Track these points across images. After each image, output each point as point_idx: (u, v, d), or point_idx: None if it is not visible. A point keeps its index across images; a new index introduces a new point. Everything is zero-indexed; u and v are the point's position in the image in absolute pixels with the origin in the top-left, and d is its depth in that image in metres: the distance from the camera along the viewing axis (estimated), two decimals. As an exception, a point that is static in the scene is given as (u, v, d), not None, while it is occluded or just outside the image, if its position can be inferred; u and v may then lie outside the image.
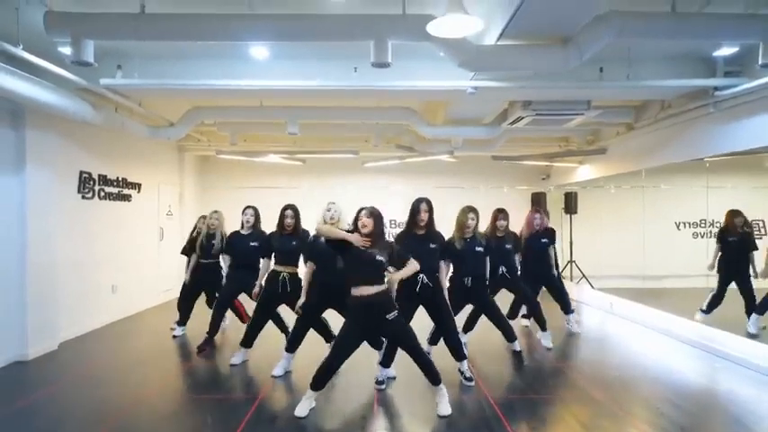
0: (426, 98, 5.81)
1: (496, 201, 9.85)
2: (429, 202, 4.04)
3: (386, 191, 10.03)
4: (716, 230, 6.71)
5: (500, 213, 5.24)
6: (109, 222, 6.65)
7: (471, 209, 4.52)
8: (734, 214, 6.05)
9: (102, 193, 6.51)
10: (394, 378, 4.29)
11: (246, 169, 9.76)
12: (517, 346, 4.78)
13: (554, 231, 5.96)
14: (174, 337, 5.77)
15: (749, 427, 3.39)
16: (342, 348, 3.52)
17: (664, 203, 9.34)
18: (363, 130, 7.75)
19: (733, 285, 5.96)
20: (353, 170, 9.78)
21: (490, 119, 6.62)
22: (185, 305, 5.80)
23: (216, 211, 5.69)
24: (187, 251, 5.98)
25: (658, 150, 6.30)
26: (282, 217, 4.63)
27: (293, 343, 4.44)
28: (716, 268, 6.08)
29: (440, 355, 4.34)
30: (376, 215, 3.48)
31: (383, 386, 4.07)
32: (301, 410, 3.52)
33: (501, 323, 4.73)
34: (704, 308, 6.05)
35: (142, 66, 4.82)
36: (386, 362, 4.15)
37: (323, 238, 4.20)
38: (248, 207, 5.17)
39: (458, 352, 4.16)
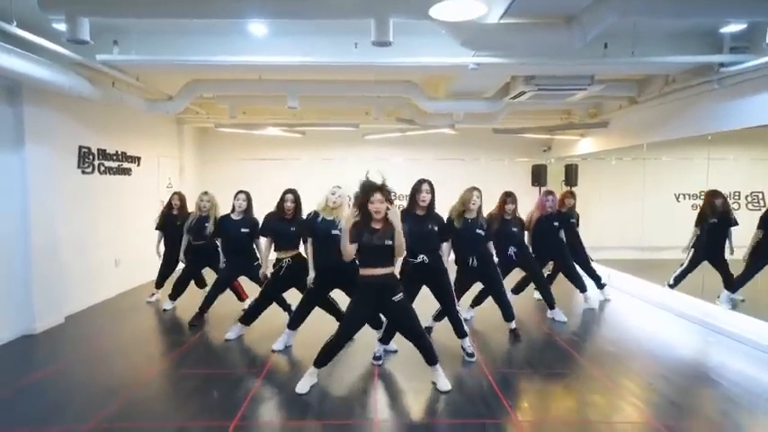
0: (427, 73, 5.72)
1: (497, 173, 9.92)
2: (431, 184, 4.04)
3: (387, 163, 9.99)
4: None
5: (508, 198, 5.24)
6: (110, 196, 6.66)
7: (476, 188, 4.52)
8: (713, 195, 6.04)
9: (102, 168, 6.49)
10: (395, 352, 4.40)
11: (246, 141, 9.70)
12: (513, 324, 4.87)
13: (569, 214, 6.07)
14: (165, 310, 5.87)
15: (740, 404, 3.50)
16: (348, 327, 3.60)
17: (664, 175, 9.35)
18: (364, 103, 7.68)
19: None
20: (354, 142, 9.73)
21: (492, 93, 6.54)
22: (183, 284, 5.85)
23: (206, 193, 5.69)
24: (160, 226, 6.13)
25: (661, 125, 6.26)
26: (282, 201, 4.62)
27: (296, 321, 4.51)
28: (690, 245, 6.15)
29: (443, 331, 4.44)
30: (389, 199, 3.43)
31: (380, 362, 4.17)
32: (303, 387, 3.61)
33: (502, 301, 4.80)
34: (671, 282, 6.18)
35: (139, 41, 4.75)
36: (385, 339, 4.25)
37: (321, 217, 4.26)
38: (241, 192, 5.16)
39: (459, 330, 4.24)
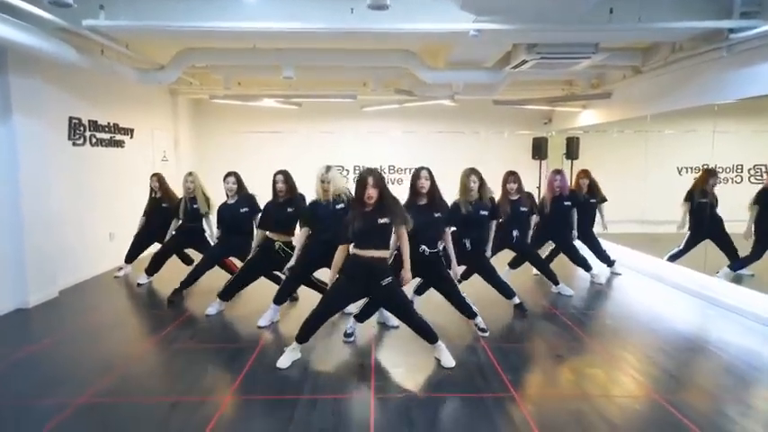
0: (427, 40, 5.54)
1: (497, 146, 9.78)
2: (429, 171, 3.88)
3: (385, 136, 9.84)
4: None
5: (510, 176, 5.11)
6: (103, 169, 6.54)
7: (473, 171, 4.39)
8: (709, 174, 5.99)
9: (94, 140, 6.36)
10: (396, 327, 4.35)
11: (242, 114, 9.52)
12: (516, 299, 4.82)
13: (583, 196, 5.98)
14: (139, 284, 5.82)
15: (739, 375, 3.47)
16: (330, 303, 3.53)
17: (666, 148, 9.21)
18: (361, 74, 7.49)
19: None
20: (352, 114, 9.55)
21: (492, 63, 6.36)
22: (161, 259, 5.78)
23: (190, 174, 5.57)
24: (147, 214, 6.08)
25: (666, 95, 6.10)
26: (274, 183, 4.50)
27: (282, 296, 4.45)
28: (687, 226, 6.07)
29: (450, 312, 4.39)
30: (380, 185, 3.31)
31: (352, 338, 4.08)
32: (284, 362, 3.55)
33: (496, 283, 4.74)
34: (668, 257, 6.17)
35: (127, 6, 4.55)
36: (361, 318, 4.13)
37: (322, 204, 4.16)
38: (229, 174, 5.00)
39: (467, 312, 4.19)
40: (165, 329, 4.38)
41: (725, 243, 5.80)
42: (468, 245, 4.45)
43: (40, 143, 5.19)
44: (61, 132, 5.75)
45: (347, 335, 4.09)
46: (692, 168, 9.60)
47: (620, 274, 6.32)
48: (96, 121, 6.39)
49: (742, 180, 9.14)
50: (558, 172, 5.81)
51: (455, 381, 3.38)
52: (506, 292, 4.77)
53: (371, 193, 3.27)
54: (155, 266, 5.79)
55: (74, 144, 5.97)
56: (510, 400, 3.09)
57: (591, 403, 3.04)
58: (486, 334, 4.17)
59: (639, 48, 6.13)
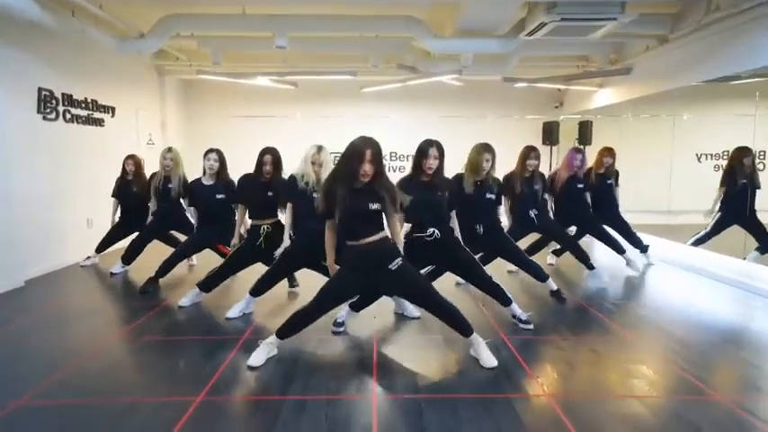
0: (433, 2, 4.96)
1: (505, 130, 9.19)
2: (440, 147, 3.30)
3: (386, 121, 9.27)
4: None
5: (531, 152, 4.57)
6: (79, 149, 5.97)
7: (487, 148, 3.81)
8: (743, 152, 5.43)
9: (69, 116, 5.79)
10: (418, 318, 3.79)
11: (235, 96, 8.96)
12: (553, 285, 4.27)
13: (605, 176, 5.44)
14: (113, 274, 5.26)
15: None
16: (327, 298, 2.91)
17: (685, 133, 8.69)
18: (361, 47, 6.92)
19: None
20: (351, 97, 8.98)
21: (505, 30, 5.79)
22: (138, 246, 5.25)
23: (170, 150, 4.99)
24: (115, 194, 5.55)
25: (699, 64, 5.50)
26: (261, 164, 3.94)
27: (261, 288, 3.87)
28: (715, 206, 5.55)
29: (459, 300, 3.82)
30: (379, 161, 2.72)
31: (342, 329, 3.52)
32: (257, 359, 2.94)
33: (527, 265, 4.19)
34: (693, 242, 5.68)
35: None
36: (357, 306, 3.57)
37: (304, 181, 3.63)
38: (211, 150, 4.42)
39: (502, 298, 3.60)
40: (135, 321, 3.81)
41: (755, 225, 5.28)
42: (479, 229, 3.90)
43: (2, 114, 4.64)
44: (28, 103, 5.18)
45: (337, 324, 3.52)
46: (711, 155, 9.08)
47: (653, 264, 5.68)
48: (71, 96, 5.82)
49: (764, 167, 8.60)
50: (579, 151, 5.30)
51: (475, 379, 2.81)
52: (540, 273, 4.21)
53: (368, 169, 2.67)
54: (131, 254, 5.24)
55: (44, 118, 5.40)
56: (542, 402, 2.52)
57: (643, 404, 2.48)
58: (531, 327, 3.59)
59: (668, 14, 5.58)
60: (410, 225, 3.43)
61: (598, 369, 2.99)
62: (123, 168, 5.53)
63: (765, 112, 7.74)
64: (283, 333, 3.00)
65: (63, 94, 5.67)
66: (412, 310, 3.85)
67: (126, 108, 6.99)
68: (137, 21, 5.75)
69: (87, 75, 6.10)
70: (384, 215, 2.81)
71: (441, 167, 3.35)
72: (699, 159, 9.13)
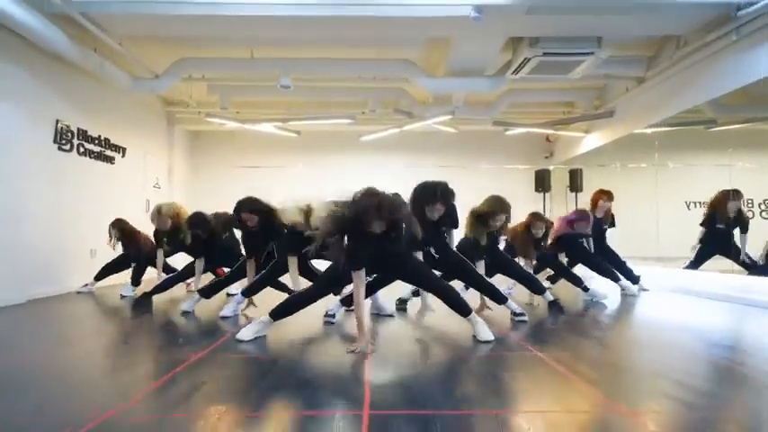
0: (425, 31, 5.41)
1: (499, 179, 9.53)
2: (445, 196, 3.44)
3: (384, 170, 9.62)
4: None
5: (538, 221, 4.69)
6: (90, 181, 6.23)
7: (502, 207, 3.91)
8: (729, 196, 5.42)
9: (82, 149, 6.10)
10: (392, 316, 3.85)
11: (239, 147, 9.38)
12: (550, 296, 4.33)
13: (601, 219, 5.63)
14: (123, 296, 5.40)
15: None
16: (327, 282, 3.07)
17: (673, 182, 9.01)
18: (360, 94, 7.41)
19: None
20: (350, 147, 9.39)
21: (494, 70, 6.26)
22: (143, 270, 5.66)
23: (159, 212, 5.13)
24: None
25: (674, 98, 5.90)
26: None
27: (253, 289, 4.01)
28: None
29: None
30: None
31: (334, 320, 3.61)
32: (246, 333, 3.04)
33: (524, 277, 4.31)
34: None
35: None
36: (349, 300, 3.66)
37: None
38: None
39: (496, 297, 3.70)
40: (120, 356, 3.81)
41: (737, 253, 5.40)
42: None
43: (20, 138, 4.95)
44: (46, 132, 5.49)
45: (328, 315, 3.62)
46: (700, 203, 9.35)
47: (647, 290, 5.61)
48: (86, 131, 6.16)
49: (753, 216, 8.83)
50: (585, 218, 5.18)
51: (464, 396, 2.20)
52: (536, 286, 4.31)
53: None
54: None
55: (59, 148, 5.70)
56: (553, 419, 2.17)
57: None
58: (525, 318, 3.65)
59: (644, 55, 6.06)
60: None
61: (614, 385, 2.90)
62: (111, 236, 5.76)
63: (728, 162, 8.19)
64: (277, 314, 3.09)
65: (78, 129, 6.01)
66: (386, 307, 3.91)
67: (135, 150, 7.34)
68: (151, 62, 6.20)
69: (102, 113, 6.48)
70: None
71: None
72: (688, 207, 9.41)
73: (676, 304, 4.93)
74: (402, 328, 3.66)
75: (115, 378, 2.44)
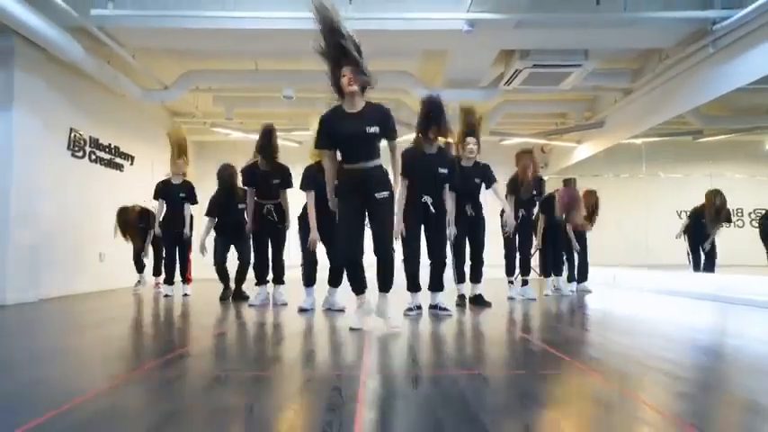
0: (422, 44, 5.72)
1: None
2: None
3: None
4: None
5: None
6: (100, 188, 6.50)
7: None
8: (714, 194, 6.24)
9: (94, 156, 6.38)
10: (342, 311, 3.98)
11: (243, 156, 9.57)
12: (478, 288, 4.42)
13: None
14: (166, 296, 5.61)
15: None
16: (342, 230, 3.14)
17: (664, 192, 9.27)
18: (360, 105, 7.69)
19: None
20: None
21: (488, 82, 6.56)
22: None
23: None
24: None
25: (658, 108, 6.20)
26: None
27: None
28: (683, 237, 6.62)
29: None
30: (362, 74, 2.95)
31: (307, 314, 3.93)
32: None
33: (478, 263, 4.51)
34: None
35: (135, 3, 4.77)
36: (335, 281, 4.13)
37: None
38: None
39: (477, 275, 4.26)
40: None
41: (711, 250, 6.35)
42: (469, 211, 4.33)
43: (36, 143, 5.22)
44: (60, 140, 5.78)
45: (302, 310, 4.07)
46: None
47: (590, 292, 5.96)
48: (98, 140, 6.45)
49: (744, 225, 9.08)
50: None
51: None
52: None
53: (349, 75, 2.95)
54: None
55: (72, 155, 5.98)
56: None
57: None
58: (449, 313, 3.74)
59: (630, 68, 6.37)
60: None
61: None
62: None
63: (718, 172, 8.48)
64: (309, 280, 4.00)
65: (91, 137, 6.30)
66: (337, 303, 4.04)
67: (144, 158, 7.62)
68: (161, 73, 6.49)
69: (113, 123, 6.77)
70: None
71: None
72: (679, 216, 9.67)
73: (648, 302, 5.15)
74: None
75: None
